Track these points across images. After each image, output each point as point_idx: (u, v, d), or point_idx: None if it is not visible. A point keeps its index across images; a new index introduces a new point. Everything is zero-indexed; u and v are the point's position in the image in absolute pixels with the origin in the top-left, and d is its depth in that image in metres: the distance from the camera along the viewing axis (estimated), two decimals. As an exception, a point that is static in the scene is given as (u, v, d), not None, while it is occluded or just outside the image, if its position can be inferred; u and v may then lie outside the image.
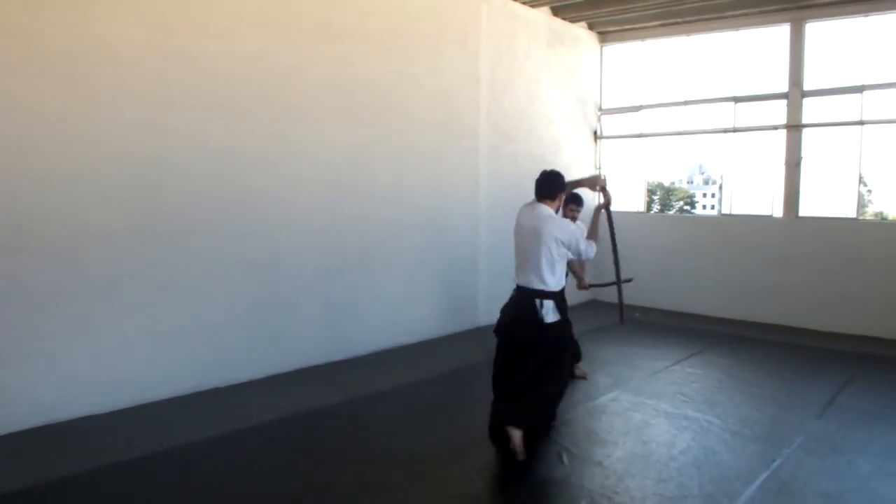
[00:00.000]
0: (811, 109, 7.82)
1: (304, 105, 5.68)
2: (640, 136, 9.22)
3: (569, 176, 4.37)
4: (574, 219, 5.04)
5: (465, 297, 7.38)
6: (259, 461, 3.82)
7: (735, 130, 8.34)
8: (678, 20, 8.53)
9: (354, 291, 6.12)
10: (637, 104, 9.26)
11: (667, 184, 9.53)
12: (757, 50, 8.30)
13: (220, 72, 5.09)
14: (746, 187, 8.46)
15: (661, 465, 3.78)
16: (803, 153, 7.85)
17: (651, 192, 10.06)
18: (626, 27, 9.11)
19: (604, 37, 9.48)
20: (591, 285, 5.81)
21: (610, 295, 8.38)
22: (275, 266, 5.48)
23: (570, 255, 4.01)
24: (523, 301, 3.91)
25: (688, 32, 8.72)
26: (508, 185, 7.73)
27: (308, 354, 5.67)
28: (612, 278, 4.60)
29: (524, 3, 7.97)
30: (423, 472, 3.70)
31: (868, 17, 7.37)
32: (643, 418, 4.55)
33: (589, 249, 3.95)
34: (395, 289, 6.53)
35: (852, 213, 7.56)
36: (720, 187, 8.71)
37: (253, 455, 3.91)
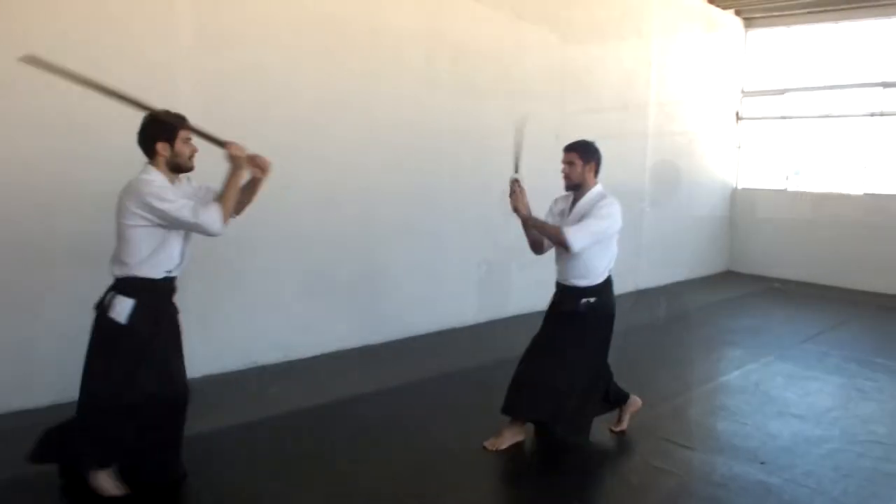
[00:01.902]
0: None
1: (524, 86, 6.57)
2: (783, 118, 9.81)
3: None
4: None
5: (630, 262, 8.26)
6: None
7: (882, 115, 8.87)
8: (827, 8, 9.04)
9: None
10: (781, 88, 9.83)
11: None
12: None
13: (469, 54, 6.02)
14: (890, 168, 8.98)
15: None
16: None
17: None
18: (774, 14, 9.65)
19: (749, 22, 10.02)
20: None
21: (746, 265, 9.28)
22: (496, 225, 6.45)
23: None
24: None
25: (836, 19, 9.21)
26: (668, 160, 8.58)
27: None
28: None
29: (686, -9, 8.69)
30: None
31: None
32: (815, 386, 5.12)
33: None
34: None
35: None
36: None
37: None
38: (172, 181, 2.96)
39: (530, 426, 3.79)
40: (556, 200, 3.84)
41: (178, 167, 2.96)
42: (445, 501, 3.16)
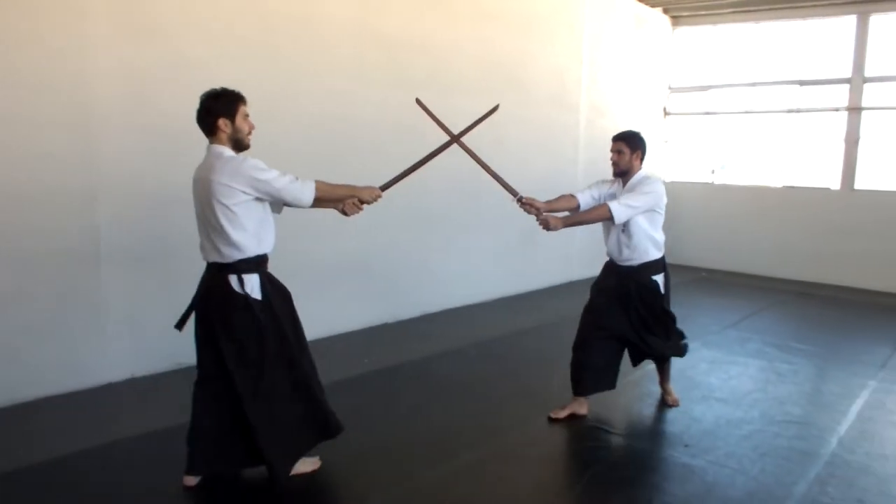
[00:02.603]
0: (871, 94, 8.75)
1: (458, 80, 6.58)
2: (707, 113, 10.15)
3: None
4: None
5: (562, 253, 8.40)
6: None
7: (799, 111, 9.28)
8: (750, 8, 9.40)
9: (481, 245, 7.11)
10: (706, 84, 10.16)
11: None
12: (823, 38, 9.17)
13: (401, 47, 5.98)
14: (807, 162, 9.41)
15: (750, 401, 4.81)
16: (861, 133, 8.81)
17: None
18: (700, 13, 9.96)
19: (676, 20, 10.31)
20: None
21: (674, 256, 9.61)
22: (428, 218, 6.45)
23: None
24: None
25: (757, 20, 9.59)
26: (600, 155, 8.72)
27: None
28: None
29: (617, -11, 8.87)
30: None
31: (930, 14, 8.29)
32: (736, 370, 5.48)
33: None
34: (514, 243, 7.52)
35: (904, 188, 8.58)
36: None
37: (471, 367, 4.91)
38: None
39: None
40: (603, 182, 4.15)
41: (238, 143, 3.01)
42: None
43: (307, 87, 5.30)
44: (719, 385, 4.79)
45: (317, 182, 3.09)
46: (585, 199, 4.06)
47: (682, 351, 4.31)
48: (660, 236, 4.02)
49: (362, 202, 3.27)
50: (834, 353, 5.76)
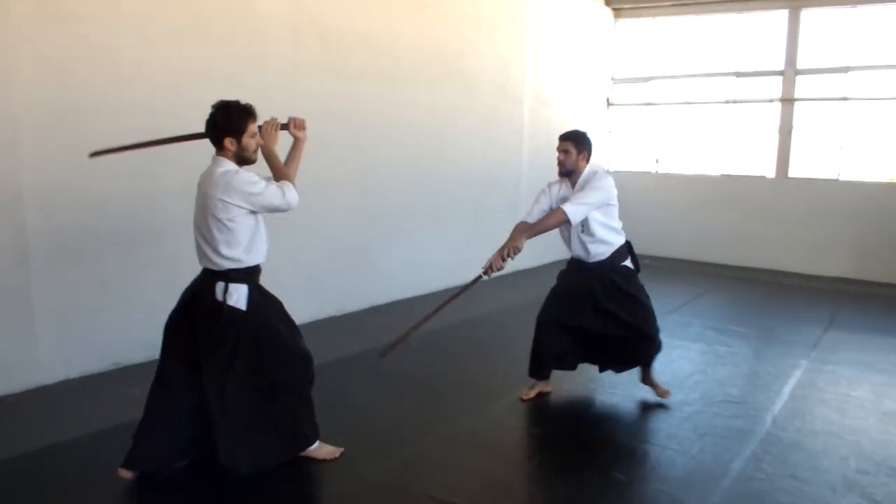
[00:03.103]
0: (803, 85, 9.07)
1: (398, 71, 6.53)
2: (648, 104, 10.35)
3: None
4: None
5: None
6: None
7: (736, 102, 9.55)
8: (689, 2, 9.61)
9: (426, 235, 7.09)
10: (647, 76, 10.36)
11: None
12: (758, 31, 9.45)
13: (338, 37, 5.88)
14: (743, 152, 9.70)
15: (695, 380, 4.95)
16: (794, 123, 9.12)
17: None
18: (641, 5, 10.13)
19: (618, 12, 10.46)
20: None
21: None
22: (372, 210, 6.39)
23: None
24: None
25: (696, 13, 9.81)
26: (545, 145, 8.83)
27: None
28: None
29: (559, -20, 8.93)
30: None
31: (856, 8, 8.61)
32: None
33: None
34: (459, 233, 7.52)
35: (834, 175, 8.91)
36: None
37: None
38: None
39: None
40: (551, 185, 4.15)
41: (243, 160, 3.04)
42: None
43: (240, 77, 5.15)
44: (661, 369, 4.85)
45: (288, 179, 3.10)
46: (536, 217, 4.12)
47: (654, 349, 4.20)
48: (617, 223, 4.07)
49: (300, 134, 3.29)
50: (769, 334, 5.96)
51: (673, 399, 4.27)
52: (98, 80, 4.32)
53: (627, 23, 10.50)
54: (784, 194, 9.20)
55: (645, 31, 10.43)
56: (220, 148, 3.02)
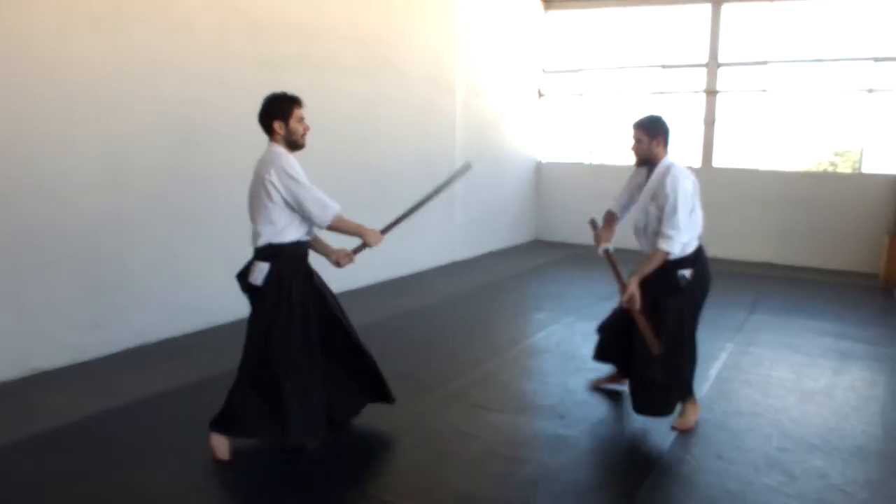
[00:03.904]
0: (725, 78, 9.38)
1: (328, 60, 6.40)
2: (579, 95, 10.50)
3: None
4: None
5: (442, 234, 8.45)
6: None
7: (662, 93, 9.80)
8: (615, -7, 9.81)
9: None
10: (577, 67, 10.50)
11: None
12: (683, 24, 9.71)
13: (267, 26, 5.72)
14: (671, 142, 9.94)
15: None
16: (718, 114, 9.43)
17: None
18: (570, -4, 10.28)
19: (548, 3, 10.57)
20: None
21: (551, 234, 9.91)
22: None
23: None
24: None
25: (624, 4, 10.00)
26: (478, 136, 8.91)
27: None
28: None
29: (489, -29, 8.95)
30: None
31: (773, 3, 8.95)
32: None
33: None
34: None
35: (755, 166, 9.26)
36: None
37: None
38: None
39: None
40: (633, 175, 3.93)
41: (292, 144, 3.25)
42: None
43: (162, 69, 4.94)
44: (591, 355, 4.96)
45: (339, 211, 3.22)
46: (619, 209, 4.06)
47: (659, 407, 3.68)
48: (689, 235, 3.61)
49: (362, 249, 3.43)
50: (696, 319, 6.14)
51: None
52: (7, 68, 4.05)
53: (557, 14, 10.62)
54: (709, 183, 9.45)
55: (574, 22, 10.57)
56: (270, 134, 3.26)
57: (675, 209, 3.51)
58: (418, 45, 7.67)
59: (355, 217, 3.41)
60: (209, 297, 5.38)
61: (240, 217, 5.54)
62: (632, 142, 3.70)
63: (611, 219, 4.10)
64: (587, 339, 5.30)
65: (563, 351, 5.06)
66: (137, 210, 4.87)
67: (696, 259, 3.67)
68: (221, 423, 3.27)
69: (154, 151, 4.95)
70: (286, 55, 5.91)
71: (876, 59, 8.48)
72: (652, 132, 3.64)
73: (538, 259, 9.11)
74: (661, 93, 9.80)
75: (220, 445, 3.27)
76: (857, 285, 7.85)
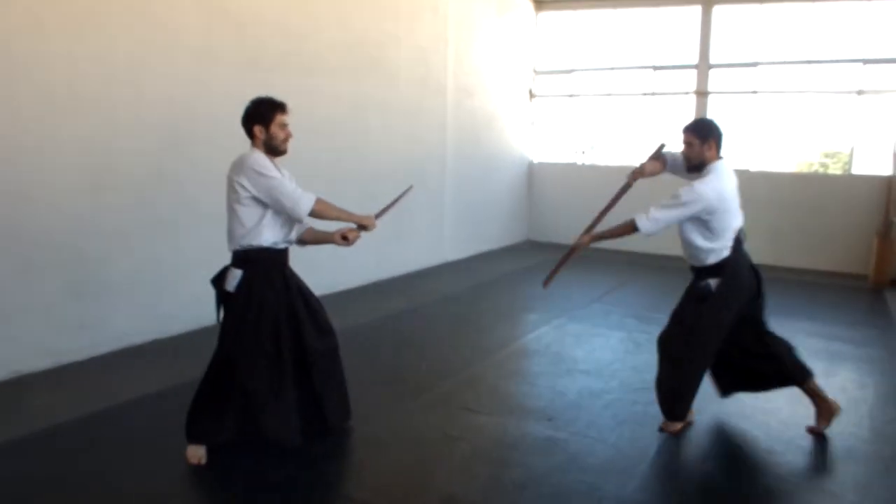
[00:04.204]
0: (716, 79, 9.40)
1: (316, 61, 6.36)
2: (571, 96, 10.49)
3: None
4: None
5: (434, 235, 8.42)
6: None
7: (653, 94, 9.80)
8: (606, -6, 9.82)
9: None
10: (569, 68, 10.50)
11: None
12: (673, 26, 9.71)
13: (253, 26, 5.67)
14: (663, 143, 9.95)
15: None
16: (708, 116, 9.43)
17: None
18: (561, -3, 10.28)
19: (539, 5, 10.56)
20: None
21: (543, 235, 9.84)
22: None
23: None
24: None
25: (614, 6, 10.00)
26: (469, 137, 8.89)
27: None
28: None
29: (480, -28, 8.93)
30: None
31: (763, 5, 8.97)
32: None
33: None
34: (386, 227, 7.41)
35: (745, 167, 9.27)
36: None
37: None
38: (274, 166, 3.18)
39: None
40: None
41: (272, 150, 3.21)
42: None
43: (145, 68, 4.89)
44: (583, 357, 4.95)
45: (318, 198, 3.17)
46: (671, 159, 3.85)
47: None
48: (715, 244, 3.55)
49: (360, 229, 3.38)
50: (686, 321, 6.12)
51: (592, 387, 4.33)
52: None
53: (549, 15, 10.61)
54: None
55: (566, 23, 10.56)
56: (251, 137, 3.23)
57: (673, 201, 3.50)
58: (408, 46, 7.63)
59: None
60: (193, 299, 5.31)
61: (224, 220, 5.55)
62: (683, 147, 3.63)
63: (662, 159, 3.89)
64: (578, 341, 5.32)
65: (553, 353, 5.03)
66: (121, 213, 4.81)
67: (725, 269, 3.55)
68: (188, 432, 3.24)
69: (138, 154, 4.90)
70: (273, 56, 5.87)
71: (865, 61, 8.50)
72: (703, 135, 3.55)
73: (530, 260, 9.09)
74: (651, 94, 9.81)
75: (193, 451, 3.22)
76: (847, 286, 7.86)
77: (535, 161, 10.86)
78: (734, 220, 3.57)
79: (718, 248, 3.54)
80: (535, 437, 3.63)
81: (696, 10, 9.38)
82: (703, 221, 3.50)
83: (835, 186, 8.95)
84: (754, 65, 9.09)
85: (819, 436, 3.64)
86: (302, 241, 3.48)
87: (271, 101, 3.23)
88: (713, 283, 3.57)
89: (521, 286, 7.48)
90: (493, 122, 9.61)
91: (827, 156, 9.67)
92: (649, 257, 9.40)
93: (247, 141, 3.29)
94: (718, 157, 3.59)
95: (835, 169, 9.52)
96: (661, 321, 5.89)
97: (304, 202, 3.11)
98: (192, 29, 5.19)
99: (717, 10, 9.28)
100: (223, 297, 3.23)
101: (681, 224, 3.59)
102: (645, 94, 9.85)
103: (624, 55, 10.06)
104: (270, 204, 3.12)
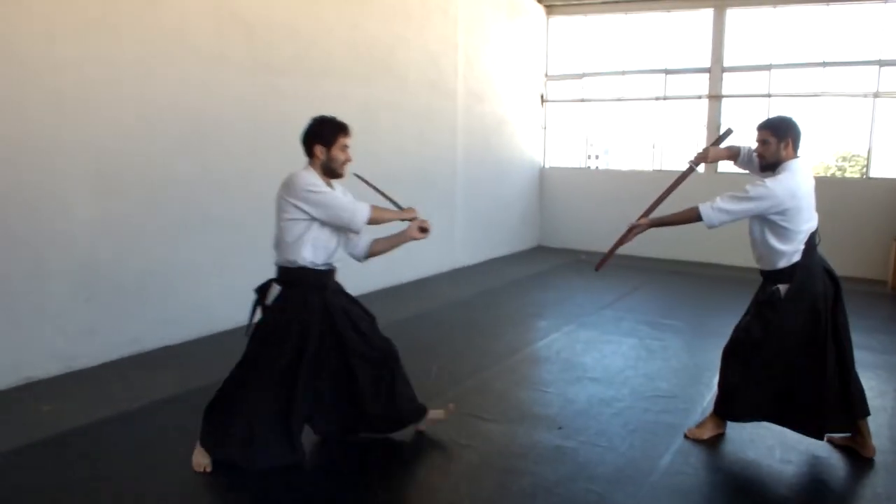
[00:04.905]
0: (729, 83, 9.31)
1: (326, 65, 6.36)
2: (582, 100, 10.44)
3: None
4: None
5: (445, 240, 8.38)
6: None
7: (666, 98, 9.73)
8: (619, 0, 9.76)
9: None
10: (580, 72, 10.45)
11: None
12: (686, 29, 9.65)
13: (263, 30, 5.68)
14: (675, 147, 9.90)
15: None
16: (722, 119, 9.35)
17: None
18: (573, 3, 10.21)
19: (550, 10, 10.52)
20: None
21: (555, 240, 9.84)
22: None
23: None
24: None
25: (626, 11, 9.94)
26: (479, 142, 8.86)
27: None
28: None
29: (491, -24, 8.91)
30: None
31: (776, 8, 8.88)
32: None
33: None
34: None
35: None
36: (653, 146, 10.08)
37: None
38: (326, 183, 3.16)
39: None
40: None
41: (330, 171, 3.18)
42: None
43: (157, 73, 4.90)
44: (593, 365, 4.89)
45: (371, 205, 3.19)
46: (745, 152, 3.66)
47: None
48: (787, 247, 3.37)
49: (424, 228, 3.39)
50: (699, 326, 6.05)
51: (603, 395, 4.26)
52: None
53: (560, 20, 10.57)
54: (713, 188, 9.35)
55: (577, 28, 10.52)
56: (310, 156, 3.18)
57: (742, 194, 3.32)
58: (418, 50, 7.63)
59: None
60: (206, 304, 5.33)
61: (236, 223, 5.57)
62: (757, 145, 3.46)
63: (732, 149, 3.73)
64: (589, 348, 5.26)
65: (563, 360, 4.97)
66: (131, 217, 4.82)
67: (796, 274, 3.37)
68: (202, 438, 3.22)
69: (148, 158, 4.90)
70: (282, 59, 5.87)
71: (881, 63, 8.39)
72: (781, 133, 3.38)
73: (541, 265, 9.04)
74: (664, 98, 9.73)
75: (198, 458, 3.19)
76: (865, 292, 7.73)
77: (547, 166, 10.81)
78: (807, 221, 3.37)
79: (790, 252, 3.37)
80: (544, 445, 3.57)
81: (709, 13, 9.31)
82: (773, 220, 3.34)
83: (852, 190, 8.82)
84: (768, 68, 9.00)
85: (839, 447, 3.56)
86: (373, 254, 3.52)
87: (334, 122, 3.18)
88: (782, 288, 3.41)
89: (531, 292, 7.42)
90: (503, 126, 9.57)
91: (843, 159, 9.55)
92: (661, 262, 9.32)
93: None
94: (795, 156, 3.43)
95: (852, 172, 9.39)
96: (674, 328, 5.91)
97: (360, 212, 3.12)
98: (202, 33, 5.19)
99: (730, 13, 9.21)
100: (261, 307, 3.24)
101: (751, 223, 3.46)
102: (657, 99, 9.78)
103: (636, 59, 10.00)
104: (328, 219, 3.10)
